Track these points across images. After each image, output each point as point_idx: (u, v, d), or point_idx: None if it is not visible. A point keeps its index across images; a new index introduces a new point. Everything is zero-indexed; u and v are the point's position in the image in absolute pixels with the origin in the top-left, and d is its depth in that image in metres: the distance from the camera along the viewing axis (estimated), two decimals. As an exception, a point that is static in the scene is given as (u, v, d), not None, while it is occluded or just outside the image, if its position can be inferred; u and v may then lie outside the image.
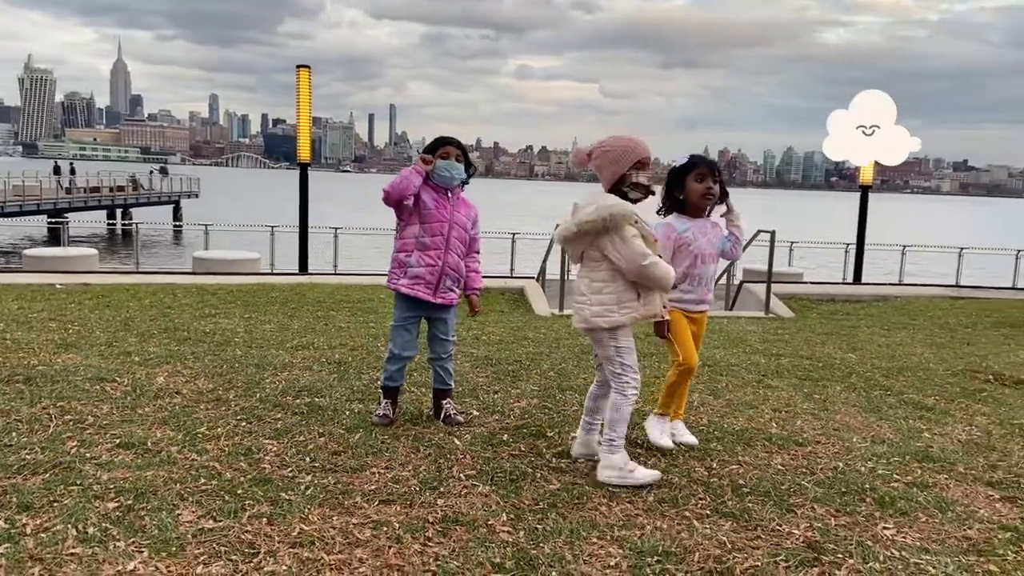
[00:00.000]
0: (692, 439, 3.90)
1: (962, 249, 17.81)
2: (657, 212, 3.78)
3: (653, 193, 3.44)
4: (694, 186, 3.73)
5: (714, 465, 3.63)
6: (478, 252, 4.21)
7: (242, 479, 3.17)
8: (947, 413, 4.73)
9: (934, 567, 2.69)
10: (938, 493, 3.38)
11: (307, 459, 3.46)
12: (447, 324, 4.14)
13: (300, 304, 8.44)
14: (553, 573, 2.54)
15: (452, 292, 4.07)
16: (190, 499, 2.95)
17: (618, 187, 3.33)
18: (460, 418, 4.11)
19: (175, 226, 32.14)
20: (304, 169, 13.77)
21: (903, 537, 2.93)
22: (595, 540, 2.79)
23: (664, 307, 3.42)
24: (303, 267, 13.92)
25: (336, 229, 17.58)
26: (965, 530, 3.02)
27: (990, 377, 5.75)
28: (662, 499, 3.19)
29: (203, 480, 3.14)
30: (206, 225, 18.52)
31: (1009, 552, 2.83)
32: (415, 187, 3.88)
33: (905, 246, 17.90)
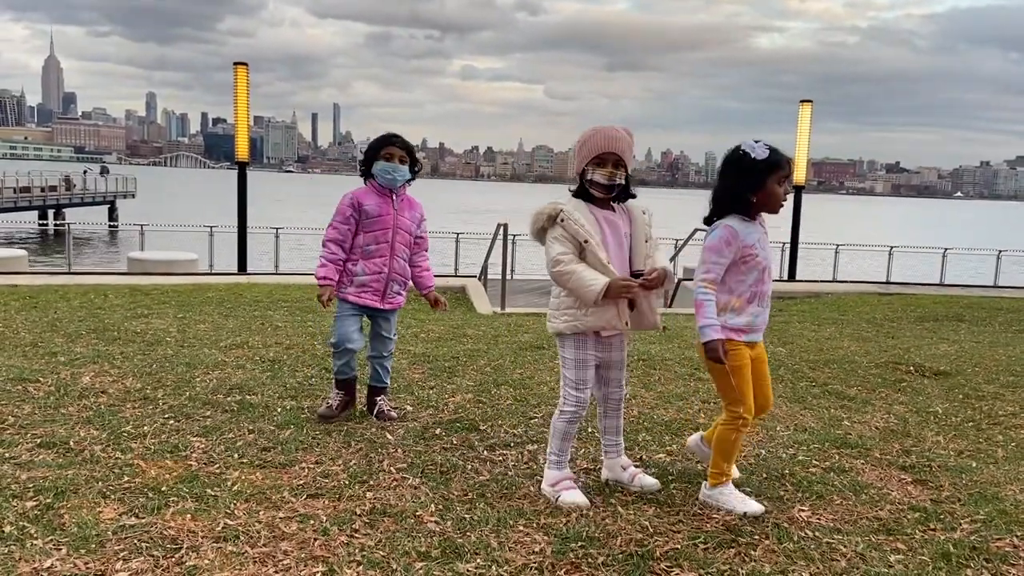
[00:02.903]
0: (757, 506, 3.06)
1: (892, 248, 18.44)
2: (707, 217, 3.10)
3: (616, 190, 3.04)
4: (776, 190, 2.98)
5: (642, 455, 3.71)
6: (426, 251, 4.18)
7: (167, 476, 3.13)
8: (868, 402, 4.91)
9: (845, 546, 2.80)
10: (853, 477, 3.52)
11: (235, 456, 3.43)
12: (390, 323, 4.12)
13: (236, 304, 8.31)
14: (478, 560, 2.57)
15: (399, 296, 4.07)
16: (112, 497, 2.90)
17: (581, 180, 3.06)
18: (393, 414, 4.08)
19: (110, 226, 31.27)
20: (242, 168, 13.56)
21: (817, 519, 3.04)
22: (521, 528, 2.83)
23: (659, 325, 3.12)
24: (242, 267, 13.71)
25: (278, 229, 17.33)
26: (877, 511, 3.15)
27: (911, 368, 5.98)
28: (589, 487, 3.25)
29: (126, 478, 3.10)
30: (142, 225, 18.07)
31: (917, 531, 2.97)
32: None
33: (838, 245, 18.44)
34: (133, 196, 43.31)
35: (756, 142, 2.99)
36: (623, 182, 3.06)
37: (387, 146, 3.92)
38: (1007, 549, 2.82)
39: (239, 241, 13.90)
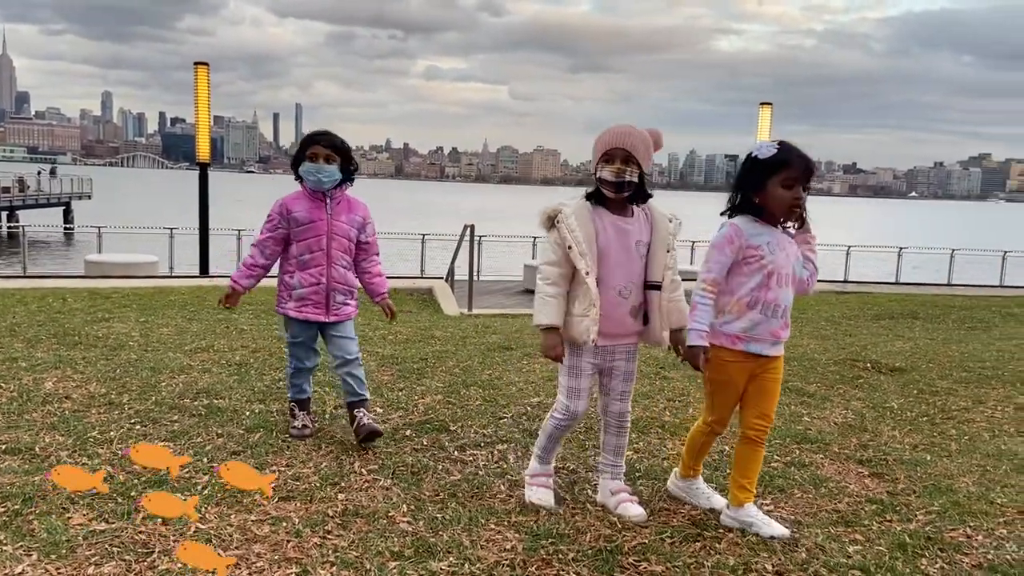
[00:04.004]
0: (782, 530, 2.92)
1: (849, 247, 18.84)
2: (722, 214, 2.98)
3: (627, 187, 2.89)
4: (779, 193, 2.81)
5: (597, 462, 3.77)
6: (376, 255, 3.87)
7: (135, 481, 3.12)
8: (826, 399, 5.04)
9: (806, 538, 2.90)
10: (813, 471, 3.62)
11: (204, 460, 3.42)
12: (344, 331, 3.79)
13: (200, 307, 8.23)
14: (451, 558, 2.61)
15: (347, 306, 3.77)
16: (80, 503, 2.88)
17: (596, 182, 2.96)
18: (376, 427, 3.67)
19: (66, 228, 30.61)
20: (204, 169, 13.41)
21: (779, 511, 3.14)
22: (493, 526, 2.88)
23: (660, 338, 2.97)
24: (204, 270, 13.55)
25: (240, 231, 17.15)
26: (836, 504, 3.25)
27: (868, 365, 6.15)
28: (559, 486, 3.31)
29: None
30: (99, 227, 17.75)
31: (874, 523, 3.08)
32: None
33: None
34: (89, 197, 42.45)
35: (772, 142, 2.86)
36: (635, 179, 2.89)
37: (311, 145, 3.63)
38: (960, 539, 2.94)
39: (201, 243, 13.75)
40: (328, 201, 3.68)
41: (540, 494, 3.11)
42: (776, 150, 2.80)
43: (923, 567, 2.71)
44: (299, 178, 3.71)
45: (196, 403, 4.30)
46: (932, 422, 4.58)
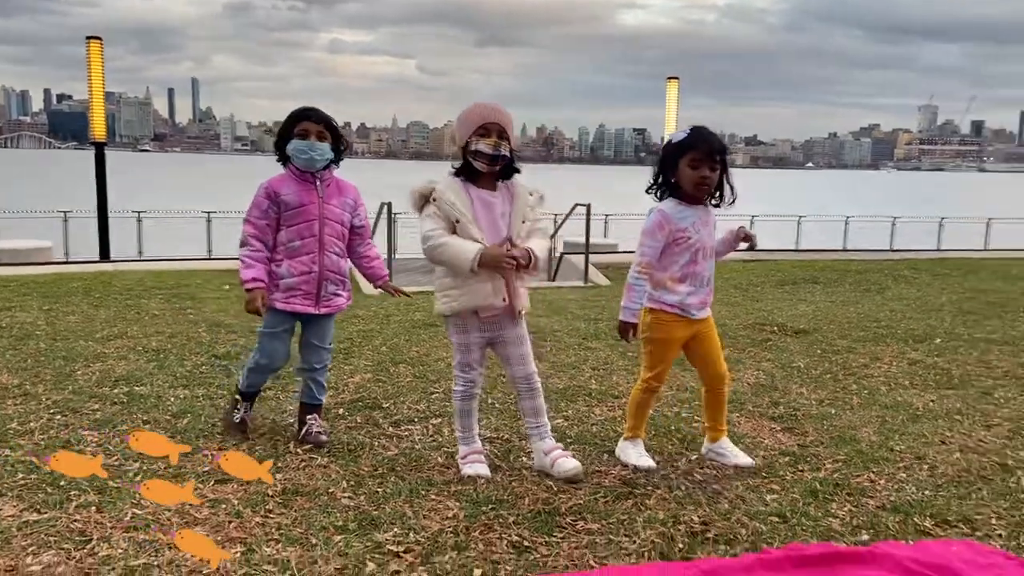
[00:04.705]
0: (747, 459, 3.34)
1: (753, 217, 19.57)
2: (647, 191, 3.25)
3: (501, 161, 3.02)
4: (687, 172, 3.10)
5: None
6: (371, 239, 3.66)
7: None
8: (739, 361, 5.30)
9: (728, 489, 3.09)
10: (731, 429, 3.82)
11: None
12: (326, 330, 3.57)
13: (106, 293, 7.93)
14: (395, 529, 2.67)
15: (338, 297, 3.52)
16: (9, 494, 2.81)
17: (465, 155, 3.04)
18: (323, 437, 3.49)
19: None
20: (100, 149, 12.81)
21: (702, 468, 3.33)
22: (433, 497, 2.95)
23: (511, 301, 3.07)
24: (104, 254, 12.99)
25: (140, 213, 16.45)
26: (753, 457, 3.46)
27: (775, 328, 6.48)
28: (495, 455, 3.41)
29: (20, 475, 2.99)
30: (-20, 213, 16.72)
31: (788, 473, 3.30)
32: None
33: (704, 215, 19.39)
34: (-30, 180, 39.80)
35: (687, 128, 3.16)
36: (507, 154, 3.02)
37: (301, 121, 3.35)
38: (865, 484, 3.19)
39: (100, 226, 13.14)
40: (318, 183, 3.40)
41: (473, 468, 3.19)
42: (686, 134, 3.11)
43: (833, 510, 2.93)
44: (283, 159, 3.42)
45: (116, 391, 4.20)
46: (835, 379, 4.89)
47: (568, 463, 3.16)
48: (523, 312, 3.19)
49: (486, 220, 3.03)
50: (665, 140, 3.21)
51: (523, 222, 3.10)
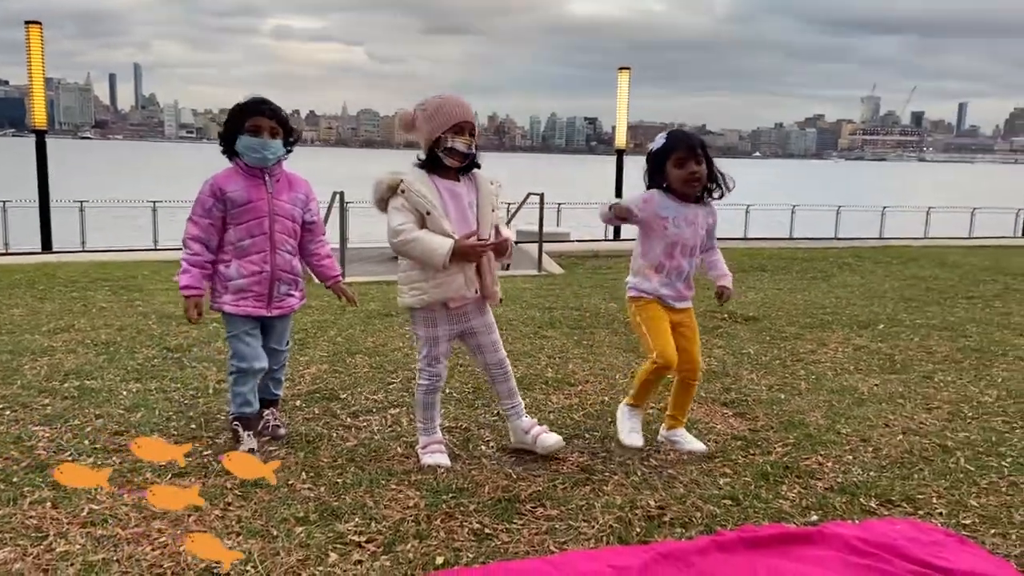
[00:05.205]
0: (700, 446, 3.46)
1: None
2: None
3: (470, 158, 3.08)
4: (674, 172, 3.25)
5: (499, 410, 3.93)
6: (323, 235, 3.50)
7: (15, 468, 2.99)
8: (692, 348, 5.41)
9: (682, 474, 3.17)
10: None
11: (86, 442, 3.32)
12: (281, 332, 3.46)
13: (50, 285, 7.71)
14: (356, 519, 2.69)
15: (291, 297, 3.37)
16: (-43, 494, 2.74)
17: (433, 150, 3.04)
18: (281, 431, 3.47)
19: None
20: (40, 136, 12.44)
21: (657, 453, 3.41)
22: (394, 486, 2.97)
23: (474, 288, 3.11)
24: (46, 245, 12.63)
25: (82, 202, 16.01)
26: (707, 442, 3.56)
27: (726, 316, 6.62)
28: (455, 444, 3.44)
29: (-31, 473, 2.92)
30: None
31: (740, 457, 3.40)
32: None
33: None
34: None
35: (663, 135, 3.34)
36: (474, 151, 3.09)
37: (253, 116, 3.16)
38: (813, 466, 3.31)
39: (41, 217, 12.78)
40: (267, 178, 3.23)
41: (433, 458, 3.21)
42: (664, 140, 3.30)
43: (783, 492, 3.03)
44: (232, 153, 3.23)
45: (66, 385, 4.11)
46: (784, 364, 5.03)
47: (550, 438, 3.28)
48: (497, 301, 3.24)
49: (455, 211, 3.05)
50: (648, 151, 3.35)
51: (492, 210, 3.16)
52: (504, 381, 3.32)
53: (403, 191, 2.98)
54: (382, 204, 3.08)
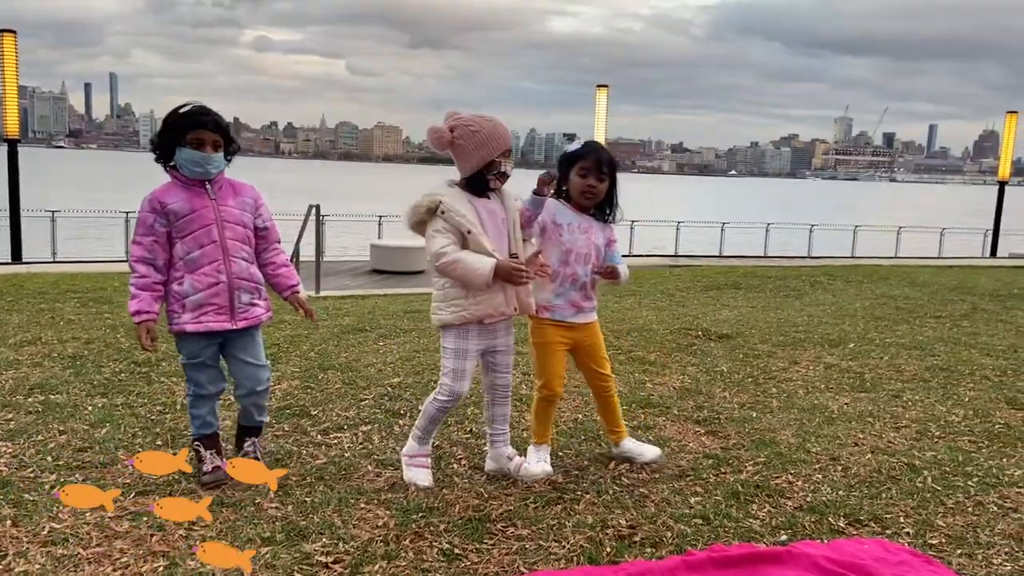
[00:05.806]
0: (653, 451, 3.52)
1: (679, 223, 20.04)
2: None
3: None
4: (575, 180, 3.30)
5: (472, 428, 3.92)
6: (278, 242, 3.33)
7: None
8: (665, 366, 5.44)
9: (654, 492, 3.17)
10: (657, 432, 3.94)
11: (49, 458, 3.25)
12: (252, 345, 3.23)
13: (18, 296, 7.59)
14: (323, 539, 2.65)
15: (255, 307, 3.17)
16: (-89, 513, 2.67)
17: (482, 172, 3.07)
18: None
19: None
20: (13, 146, 12.29)
21: (629, 471, 3.41)
22: (363, 505, 2.94)
23: (517, 307, 3.15)
24: (16, 255, 12.45)
25: (54, 212, 15.80)
26: (678, 461, 3.56)
27: (699, 333, 6.66)
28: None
29: (-74, 491, 2.85)
30: None
31: (711, 475, 3.41)
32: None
33: (633, 221, 19.74)
34: None
35: (583, 141, 3.41)
36: None
37: (195, 129, 3.00)
38: (784, 485, 3.32)
39: (12, 227, 12.60)
40: (208, 186, 3.07)
41: (418, 475, 3.18)
42: (578, 147, 3.36)
43: (754, 511, 3.04)
44: (169, 165, 3.08)
45: (30, 400, 4.04)
46: (756, 382, 5.06)
47: (536, 469, 3.29)
48: (533, 311, 3.29)
49: (492, 228, 3.10)
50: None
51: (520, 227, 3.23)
52: (504, 405, 3.34)
53: (443, 212, 3.00)
54: (419, 227, 3.08)
